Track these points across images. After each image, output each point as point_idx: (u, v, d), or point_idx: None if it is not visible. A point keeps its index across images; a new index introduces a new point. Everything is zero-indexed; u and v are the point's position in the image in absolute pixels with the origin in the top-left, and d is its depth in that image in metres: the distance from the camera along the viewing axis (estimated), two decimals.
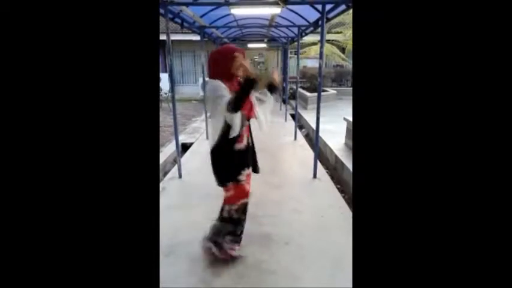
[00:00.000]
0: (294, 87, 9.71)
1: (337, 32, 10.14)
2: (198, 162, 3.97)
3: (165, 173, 3.65)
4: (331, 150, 4.32)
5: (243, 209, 1.86)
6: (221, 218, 1.86)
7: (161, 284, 1.58)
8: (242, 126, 1.66)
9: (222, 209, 1.86)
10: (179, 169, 3.41)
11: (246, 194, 1.83)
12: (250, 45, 8.49)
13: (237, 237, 1.90)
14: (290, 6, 3.71)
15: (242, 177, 1.77)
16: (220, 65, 1.61)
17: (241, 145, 1.74)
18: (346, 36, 9.96)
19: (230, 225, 1.85)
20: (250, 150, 1.84)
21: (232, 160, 1.73)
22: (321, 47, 2.97)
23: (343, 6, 3.07)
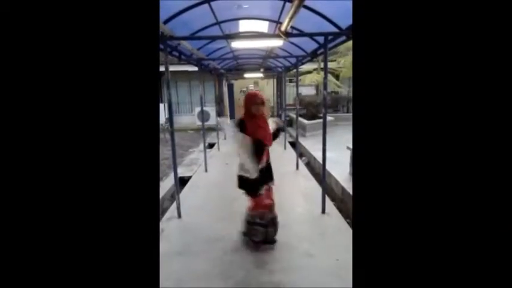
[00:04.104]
0: (290, 114, 9.76)
1: (331, 60, 10.35)
2: (198, 199, 3.76)
3: (163, 212, 3.41)
4: (336, 180, 4.16)
5: (261, 216, 2.41)
6: (248, 222, 2.48)
7: None
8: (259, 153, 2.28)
9: (247, 215, 2.48)
10: (178, 208, 3.19)
11: (264, 205, 2.40)
12: (246, 75, 8.52)
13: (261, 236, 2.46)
14: (290, 39, 3.71)
15: (262, 191, 2.34)
16: (246, 106, 2.33)
17: (262, 165, 2.29)
18: (339, 63, 10.16)
19: (256, 226, 2.44)
20: (269, 168, 2.42)
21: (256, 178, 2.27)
22: (325, 78, 2.91)
23: (342, 37, 3.05)
